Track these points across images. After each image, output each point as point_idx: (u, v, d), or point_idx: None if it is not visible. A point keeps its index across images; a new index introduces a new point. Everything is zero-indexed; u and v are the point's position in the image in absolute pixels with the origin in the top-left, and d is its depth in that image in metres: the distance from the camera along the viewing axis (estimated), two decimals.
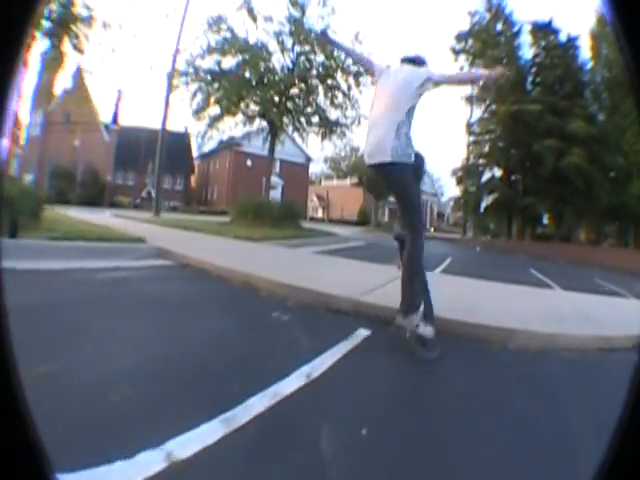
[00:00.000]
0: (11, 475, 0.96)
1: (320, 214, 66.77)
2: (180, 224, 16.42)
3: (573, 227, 44.94)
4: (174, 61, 22.51)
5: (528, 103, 38.69)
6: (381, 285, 6.60)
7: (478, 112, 46.92)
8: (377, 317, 5.19)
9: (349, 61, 21.65)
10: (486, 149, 45.26)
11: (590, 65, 41.38)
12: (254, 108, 22.98)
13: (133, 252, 8.16)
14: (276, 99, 22.50)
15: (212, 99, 22.33)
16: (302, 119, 23.66)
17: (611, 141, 36.58)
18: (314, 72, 22.53)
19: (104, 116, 50.12)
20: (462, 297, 6.53)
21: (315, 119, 23.94)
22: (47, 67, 18.01)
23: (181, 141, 50.86)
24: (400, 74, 4.50)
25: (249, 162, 50.13)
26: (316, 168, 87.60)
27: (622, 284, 13.75)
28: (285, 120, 23.50)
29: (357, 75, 22.26)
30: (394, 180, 4.35)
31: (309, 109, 23.55)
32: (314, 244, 15.88)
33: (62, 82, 38.32)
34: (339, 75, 22.70)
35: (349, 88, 22.96)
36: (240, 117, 23.51)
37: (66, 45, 14.00)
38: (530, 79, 43.61)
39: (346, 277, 7.46)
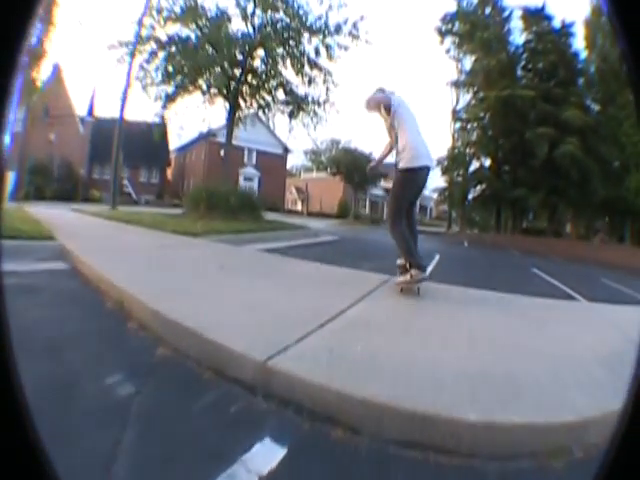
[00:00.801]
0: (11, 476, 0.96)
1: (299, 207, 64.63)
2: (126, 217, 14.93)
3: (564, 221, 43.80)
4: (137, 34, 20.13)
5: (520, 89, 36.90)
6: (330, 318, 4.05)
7: (464, 99, 45.11)
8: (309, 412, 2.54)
9: (315, 19, 19.64)
10: (474, 137, 43.10)
11: (584, 55, 39.88)
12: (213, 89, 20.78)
13: (37, 252, 7.33)
14: (236, 72, 20.27)
15: (162, 73, 20.13)
16: (265, 94, 21.21)
17: (607, 132, 34.79)
18: (275, 37, 19.76)
19: (80, 109, 47.83)
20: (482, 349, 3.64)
21: (281, 95, 21.41)
22: (31, 62, 17.65)
23: (158, 133, 48.51)
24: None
25: (222, 152, 47.98)
26: (296, 160, 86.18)
27: (632, 285, 12.66)
28: (247, 97, 21.26)
29: (326, 34, 19.70)
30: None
31: (273, 82, 20.93)
32: (272, 240, 13.78)
33: (42, 76, 38.26)
34: (305, 38, 20.03)
35: (317, 52, 20.14)
36: (199, 97, 21.14)
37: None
38: (521, 65, 41.65)
39: (281, 299, 4.76)
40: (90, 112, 47.91)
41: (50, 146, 42.46)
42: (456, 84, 44.33)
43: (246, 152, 49.97)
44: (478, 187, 43.81)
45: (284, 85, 21.06)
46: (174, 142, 48.19)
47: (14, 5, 0.96)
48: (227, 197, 17.42)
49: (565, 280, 11.96)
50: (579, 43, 40.63)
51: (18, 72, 0.95)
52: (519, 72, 41.23)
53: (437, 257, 14.94)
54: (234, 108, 20.97)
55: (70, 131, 44.85)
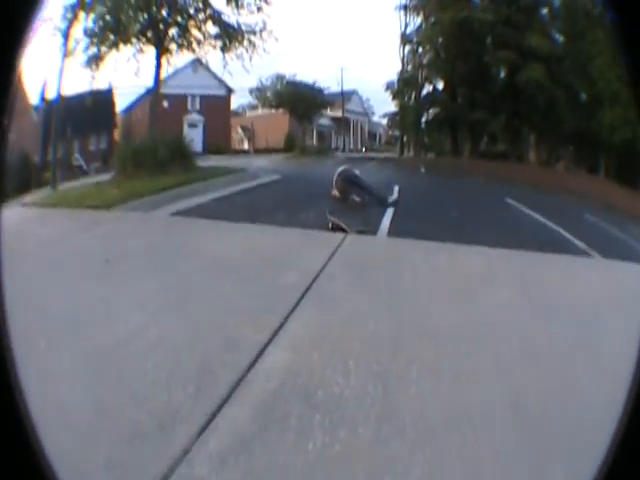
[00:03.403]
0: (11, 476, 0.96)
1: (246, 146, 63.37)
2: (53, 201, 14.26)
3: (527, 146, 42.34)
4: None
5: (477, 12, 35.12)
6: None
7: (415, 23, 41.67)
8: None
9: None
10: (426, 60, 40.98)
11: None
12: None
13: None
14: (164, 13, 18.81)
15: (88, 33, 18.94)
16: (194, 31, 19.76)
17: (575, 64, 33.42)
18: None
19: (34, 98, 46.13)
20: None
21: (212, 29, 19.92)
22: None
23: (104, 98, 46.54)
24: None
25: (165, 103, 46.00)
26: (241, 100, 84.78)
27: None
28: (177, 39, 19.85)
29: None
30: None
31: (200, 15, 19.49)
32: (201, 192, 12.78)
33: None
34: None
35: None
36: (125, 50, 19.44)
37: None
38: None
39: (166, 324, 3.37)
40: (42, 98, 46.10)
41: (9, 144, 40.99)
42: (405, 8, 40.76)
43: (189, 99, 47.76)
44: (431, 110, 41.50)
45: (213, 17, 19.52)
46: (121, 103, 45.80)
47: (14, 6, 0.96)
48: (154, 150, 15.92)
49: (548, 215, 11.24)
50: None
51: (18, 74, 0.98)
52: None
53: (396, 188, 14.32)
54: (160, 53, 19.50)
55: (26, 122, 42.65)
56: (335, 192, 12.34)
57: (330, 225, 9.15)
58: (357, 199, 11.95)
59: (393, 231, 8.76)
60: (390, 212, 10.65)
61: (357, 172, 13.22)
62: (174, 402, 2.36)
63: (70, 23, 18.69)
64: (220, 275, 4.07)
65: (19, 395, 0.98)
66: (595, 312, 3.72)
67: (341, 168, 12.90)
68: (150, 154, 15.63)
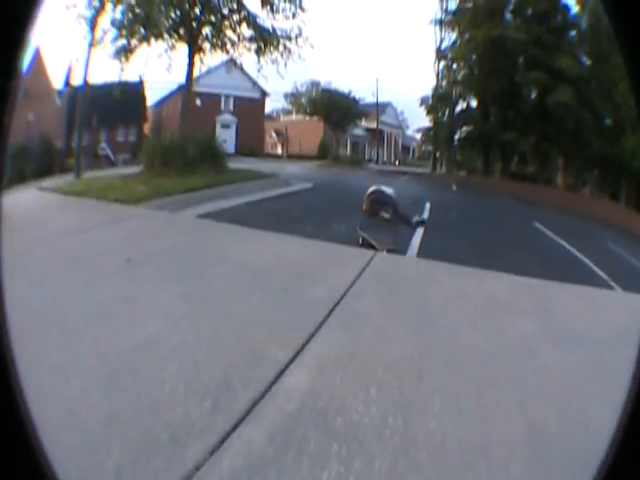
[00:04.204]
0: (11, 476, 0.96)
1: (279, 150, 63.64)
2: (78, 189, 13.57)
3: (555, 170, 42.35)
4: None
5: (510, 31, 35.30)
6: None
7: (449, 39, 42.64)
8: None
9: None
10: (460, 77, 41.53)
11: (575, 9, 37.77)
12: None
13: None
14: (197, 11, 18.60)
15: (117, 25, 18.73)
16: (229, 32, 19.49)
17: (601, 88, 33.50)
18: None
19: (58, 82, 46.76)
20: None
21: (247, 31, 19.62)
22: None
23: (134, 90, 46.76)
24: None
25: (198, 101, 46.35)
26: (276, 104, 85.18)
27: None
28: (211, 39, 19.63)
29: None
30: None
31: (235, 17, 19.18)
32: (230, 195, 12.60)
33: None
34: None
35: None
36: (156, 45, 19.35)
37: None
38: (510, 8, 39.24)
39: (185, 340, 3.19)
40: (67, 84, 46.70)
41: (29, 126, 41.35)
42: (440, 23, 41.92)
43: (223, 99, 48.00)
44: (464, 128, 41.95)
45: (248, 19, 19.28)
46: (152, 97, 45.73)
47: (14, 7, 0.95)
48: (184, 148, 15.65)
49: (572, 242, 11.38)
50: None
51: (19, 74, 0.98)
52: (508, 15, 39.19)
53: (427, 205, 14.23)
54: (193, 51, 19.32)
55: (48, 107, 43.08)
56: (365, 207, 12.32)
57: (360, 240, 9.09)
58: (386, 216, 11.90)
59: (422, 251, 8.69)
60: (420, 231, 10.59)
61: (387, 190, 13.09)
62: (190, 415, 2.30)
63: (97, 12, 18.72)
64: (246, 284, 3.98)
65: (19, 395, 0.99)
66: (614, 343, 3.63)
67: (372, 189, 12.79)
68: (180, 152, 15.46)
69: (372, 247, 8.41)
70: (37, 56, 36.30)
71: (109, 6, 18.54)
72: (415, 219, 11.93)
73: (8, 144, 1.00)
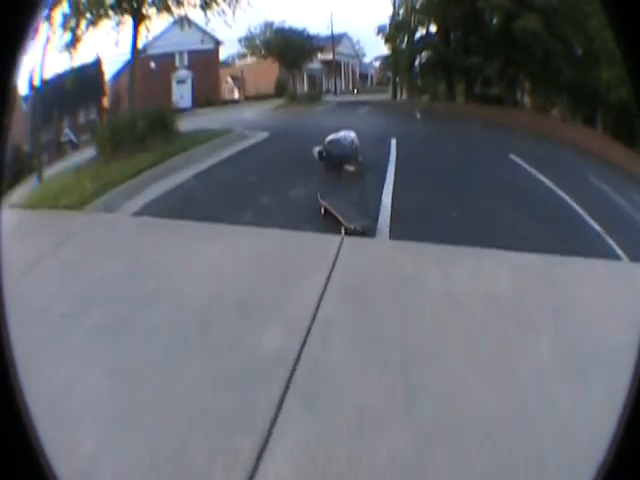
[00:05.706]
0: (11, 476, 0.98)
1: (236, 95, 63.27)
2: (32, 201, 13.11)
3: (522, 92, 42.29)
4: None
5: None
6: None
7: None
8: None
9: None
10: (418, 4, 40.10)
11: None
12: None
13: None
14: None
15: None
16: None
17: (572, 18, 32.28)
18: None
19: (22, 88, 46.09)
20: None
21: None
22: None
23: (92, 69, 46.54)
24: None
25: (152, 64, 45.88)
26: (231, 51, 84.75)
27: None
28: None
29: None
30: None
31: None
32: (182, 166, 12.42)
33: None
34: None
35: None
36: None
37: None
38: None
39: None
40: (30, 87, 45.77)
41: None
42: None
43: (177, 56, 47.26)
44: (424, 53, 40.20)
45: None
46: (111, 71, 45.93)
47: (14, 7, 0.99)
48: (133, 125, 15.27)
49: (555, 179, 11.20)
50: None
51: (19, 75, 1.04)
52: None
53: (394, 142, 14.05)
54: (138, 23, 19.73)
55: (17, 114, 42.25)
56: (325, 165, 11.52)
57: (322, 210, 8.50)
58: (351, 169, 11.21)
59: (396, 215, 8.18)
60: (390, 179, 10.03)
61: (348, 137, 12.05)
62: None
63: (51, 8, 18.16)
64: (180, 344, 3.21)
65: (19, 395, 1.00)
66: None
67: (330, 137, 11.73)
68: (129, 130, 15.06)
69: (336, 220, 7.91)
70: None
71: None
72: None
73: (8, 144, 1.04)
